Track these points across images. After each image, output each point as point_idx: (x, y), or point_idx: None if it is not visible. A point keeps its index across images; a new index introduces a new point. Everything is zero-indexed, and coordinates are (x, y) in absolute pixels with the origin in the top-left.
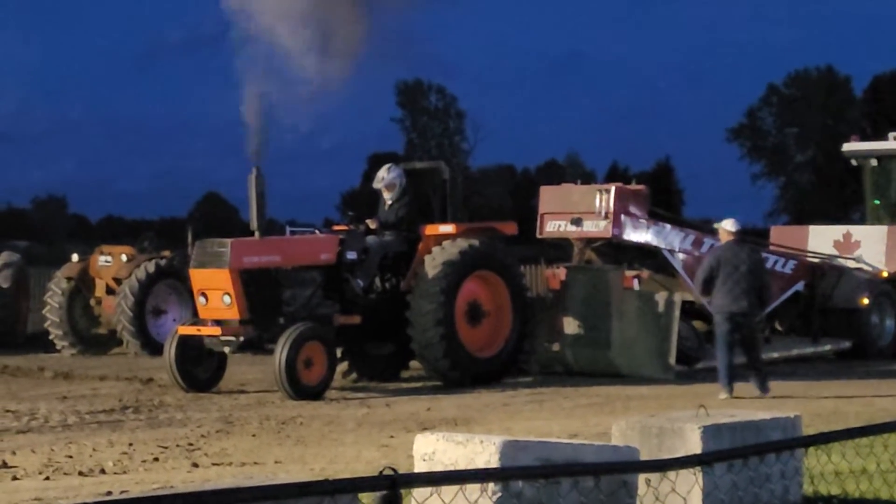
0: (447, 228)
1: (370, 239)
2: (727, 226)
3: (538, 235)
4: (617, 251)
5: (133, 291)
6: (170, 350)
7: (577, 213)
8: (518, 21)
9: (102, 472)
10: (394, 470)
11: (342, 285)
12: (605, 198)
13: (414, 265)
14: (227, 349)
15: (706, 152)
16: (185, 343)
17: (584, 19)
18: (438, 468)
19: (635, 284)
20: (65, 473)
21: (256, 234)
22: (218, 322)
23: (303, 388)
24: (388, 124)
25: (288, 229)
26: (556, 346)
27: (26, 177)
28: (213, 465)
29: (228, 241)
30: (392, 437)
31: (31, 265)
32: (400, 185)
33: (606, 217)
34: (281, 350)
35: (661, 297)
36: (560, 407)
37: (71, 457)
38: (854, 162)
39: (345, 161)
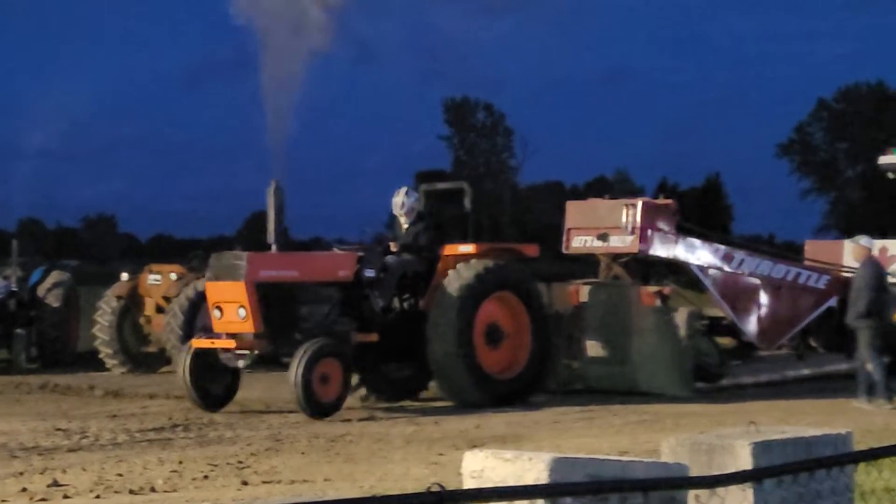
0: (467, 248)
1: (389, 258)
2: (865, 242)
3: (564, 251)
4: (647, 266)
5: (182, 310)
6: (184, 365)
7: (604, 228)
8: (565, 37)
9: (153, 490)
10: (441, 486)
11: (360, 303)
12: (631, 213)
13: (433, 284)
14: (241, 363)
15: (756, 168)
16: (199, 358)
17: (632, 34)
18: (487, 486)
19: (657, 300)
20: (115, 492)
21: (273, 247)
22: (233, 336)
23: (318, 405)
24: (435, 142)
25: (335, 248)
26: (575, 364)
27: (77, 196)
28: (263, 482)
29: (245, 253)
30: (441, 454)
31: (81, 284)
32: (416, 209)
33: (633, 232)
34: (297, 366)
35: (679, 313)
36: (609, 424)
37: (121, 475)
38: (890, 175)
39: (392, 179)
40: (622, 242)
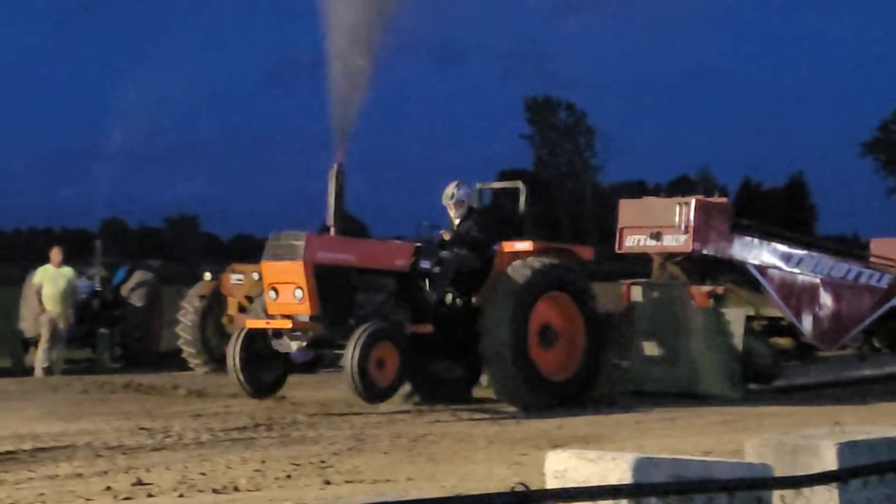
0: (524, 246)
1: (444, 252)
2: None
3: (617, 250)
4: (704, 265)
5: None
6: (234, 350)
7: (657, 227)
8: (646, 35)
9: (236, 489)
10: (525, 486)
11: (414, 294)
12: (684, 211)
13: (488, 280)
14: (294, 346)
15: (840, 167)
16: (251, 343)
17: (713, 33)
18: (571, 486)
19: (711, 300)
20: (199, 491)
21: (332, 230)
22: (287, 317)
23: (374, 389)
24: (517, 141)
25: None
26: (625, 364)
27: (159, 196)
28: (346, 482)
29: (304, 233)
30: (523, 454)
31: (163, 284)
32: (467, 203)
33: (686, 231)
34: (353, 348)
35: (730, 313)
36: (692, 424)
37: (204, 474)
38: None
39: (475, 177)
40: (675, 241)
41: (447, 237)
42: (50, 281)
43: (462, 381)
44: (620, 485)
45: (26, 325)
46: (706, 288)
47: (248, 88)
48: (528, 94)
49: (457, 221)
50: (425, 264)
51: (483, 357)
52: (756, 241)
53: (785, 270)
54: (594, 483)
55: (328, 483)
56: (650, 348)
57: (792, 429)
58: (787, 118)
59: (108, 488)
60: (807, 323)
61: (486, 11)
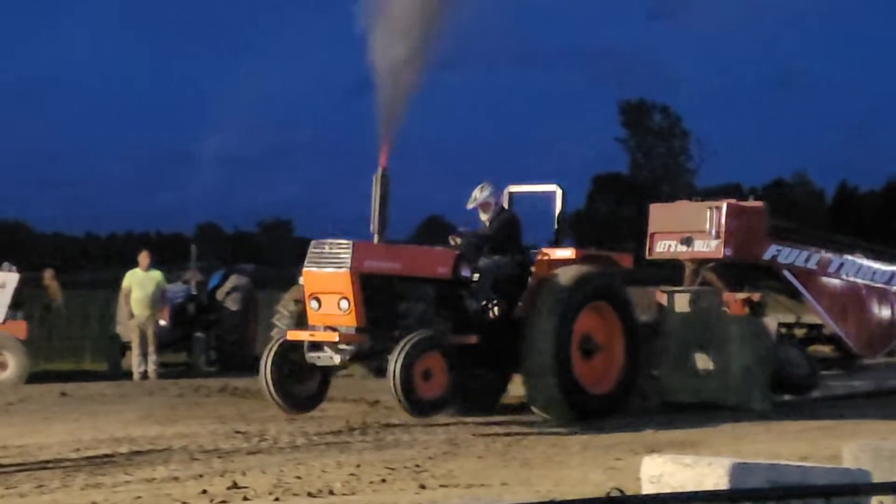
0: (565, 253)
1: (483, 260)
2: None
3: (647, 256)
4: (742, 272)
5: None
6: (266, 363)
7: (688, 231)
8: (740, 38)
9: (331, 493)
10: (621, 491)
11: (457, 303)
12: (716, 215)
13: (529, 289)
14: (337, 359)
15: None
16: (285, 356)
17: (808, 35)
18: (666, 491)
19: (746, 308)
20: (294, 494)
21: (376, 238)
22: (331, 329)
23: (419, 402)
24: (612, 144)
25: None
26: (655, 373)
27: (253, 200)
28: (440, 486)
29: (350, 241)
30: (618, 459)
31: (258, 288)
32: (495, 203)
33: (718, 236)
34: (397, 359)
35: (762, 321)
36: (788, 430)
37: (300, 478)
38: None
39: (568, 182)
40: (707, 247)
41: (457, 241)
42: (138, 285)
43: (489, 389)
44: (717, 490)
45: (122, 329)
46: (742, 295)
47: (343, 92)
48: (622, 97)
49: (487, 222)
50: (465, 272)
51: (524, 369)
52: (791, 246)
53: (824, 276)
54: (690, 488)
55: (423, 487)
56: (681, 358)
57: (889, 435)
58: (884, 122)
59: (204, 492)
60: (848, 330)
61: (579, 15)
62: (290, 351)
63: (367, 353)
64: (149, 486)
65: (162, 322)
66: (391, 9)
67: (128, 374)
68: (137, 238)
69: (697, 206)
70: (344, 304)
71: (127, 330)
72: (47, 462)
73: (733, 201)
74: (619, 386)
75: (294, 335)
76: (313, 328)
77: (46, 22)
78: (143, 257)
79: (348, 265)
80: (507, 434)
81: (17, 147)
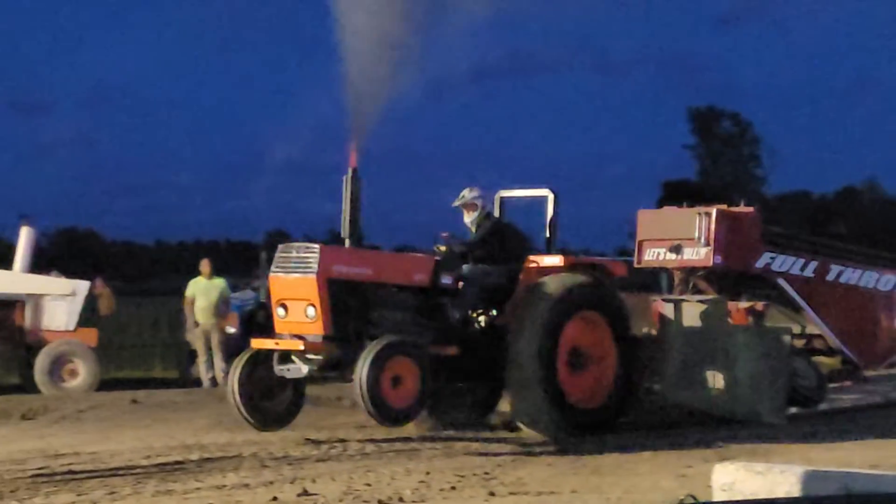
0: (553, 261)
1: (467, 268)
2: None
3: (636, 265)
4: (739, 280)
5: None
6: (234, 378)
7: (677, 239)
8: (809, 44)
9: (401, 500)
10: (694, 498)
11: (435, 312)
12: (705, 222)
13: (514, 298)
14: (305, 370)
15: None
16: (253, 369)
17: (879, 41)
18: (738, 499)
19: (750, 318)
20: (364, 501)
21: (347, 242)
22: (298, 337)
23: (388, 410)
24: (680, 151)
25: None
26: (656, 387)
27: (322, 208)
28: (510, 494)
29: (317, 245)
30: (689, 466)
31: None
32: (482, 207)
33: (707, 243)
34: (363, 363)
35: (771, 331)
36: (861, 438)
37: (370, 485)
38: None
39: (637, 188)
40: (696, 255)
41: (443, 248)
42: (202, 293)
43: (479, 405)
44: (789, 498)
45: (190, 337)
46: (745, 304)
47: (412, 99)
48: (691, 104)
49: (469, 225)
50: (446, 280)
51: (508, 382)
52: (786, 254)
53: (822, 285)
54: (762, 496)
55: (492, 495)
56: (684, 369)
57: None
58: None
59: (275, 499)
60: (850, 342)
61: (650, 22)
62: (259, 364)
63: (337, 363)
64: (219, 493)
65: (231, 329)
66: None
67: (198, 382)
68: (206, 246)
69: (686, 212)
70: (311, 311)
71: (193, 338)
72: (119, 469)
73: (723, 207)
74: (612, 400)
75: (259, 343)
76: (280, 337)
77: (118, 32)
78: (205, 265)
79: (315, 270)
80: (578, 441)
81: (89, 156)
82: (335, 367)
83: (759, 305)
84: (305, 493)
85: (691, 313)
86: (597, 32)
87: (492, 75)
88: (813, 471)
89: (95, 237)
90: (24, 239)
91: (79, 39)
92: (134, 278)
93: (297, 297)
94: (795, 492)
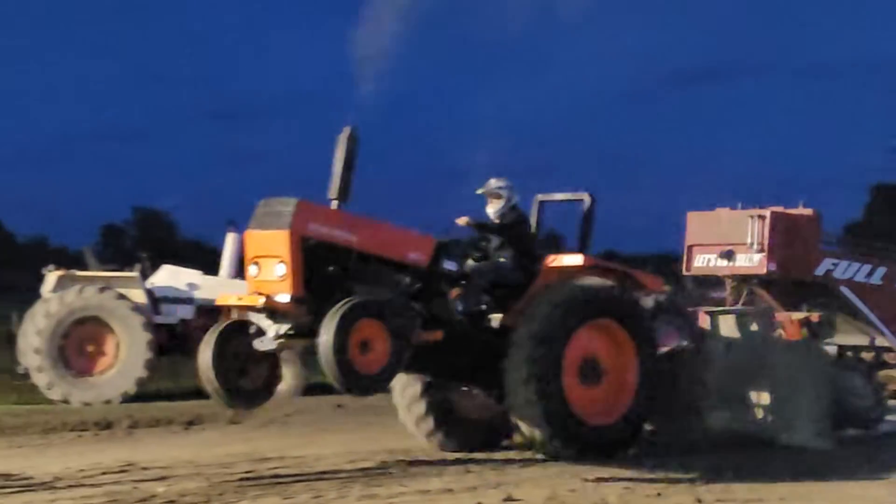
0: (573, 260)
1: (480, 263)
2: None
3: (685, 272)
4: (797, 289)
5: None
6: (206, 350)
7: (729, 244)
8: None
9: None
10: None
11: (432, 299)
12: (758, 226)
13: (526, 298)
14: (275, 342)
15: None
16: (227, 342)
17: None
18: None
19: (804, 330)
20: None
21: (334, 203)
22: (266, 297)
23: (356, 377)
24: (891, 155)
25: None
26: (697, 405)
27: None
28: (717, 501)
29: (294, 199)
30: None
31: None
32: (507, 198)
33: (761, 249)
34: (329, 325)
35: (820, 345)
36: None
37: (574, 490)
38: None
39: (844, 192)
40: (749, 261)
41: (462, 221)
42: None
43: (494, 424)
44: None
45: None
46: (798, 315)
47: (610, 100)
48: None
49: (492, 215)
50: (450, 265)
51: (506, 391)
52: (849, 260)
53: (889, 293)
54: None
55: (699, 501)
56: (727, 388)
57: None
58: None
59: None
60: None
61: (859, 26)
62: (233, 337)
63: (308, 329)
64: (423, 497)
65: None
66: None
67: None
68: None
69: (739, 214)
70: (280, 268)
71: None
72: (324, 473)
73: (779, 209)
74: (628, 417)
75: (222, 300)
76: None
77: (308, 41)
78: None
79: (288, 225)
80: (786, 449)
81: (290, 162)
82: (307, 333)
83: (815, 316)
84: (510, 498)
85: (734, 325)
86: (806, 38)
87: (693, 80)
88: None
89: None
90: (230, 245)
91: (271, 48)
92: None
93: (268, 254)
94: None
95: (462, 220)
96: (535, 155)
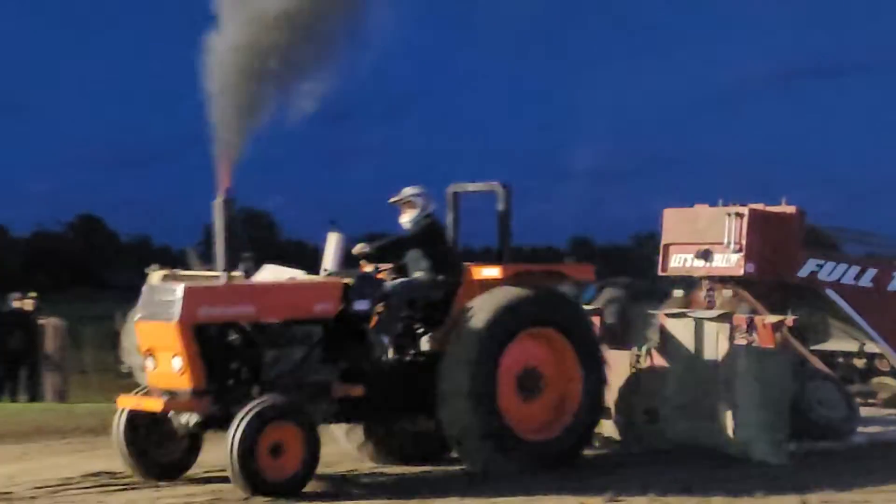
0: (492, 272)
1: (388, 285)
2: None
3: (660, 272)
4: (784, 290)
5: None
6: (117, 426)
7: (705, 243)
8: None
9: None
10: None
11: (348, 344)
12: (735, 224)
13: (450, 318)
14: (185, 426)
15: None
16: (137, 417)
17: None
18: None
19: (777, 335)
20: None
21: (223, 276)
22: (168, 393)
23: (265, 483)
24: None
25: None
26: (648, 414)
27: (624, 213)
28: (822, 502)
29: (181, 286)
30: None
31: (633, 301)
32: (422, 206)
33: (739, 249)
34: (235, 430)
35: (770, 353)
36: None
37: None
38: None
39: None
40: (726, 262)
41: (356, 250)
42: None
43: (433, 436)
44: None
45: None
46: (773, 318)
47: (713, 100)
48: None
49: (406, 226)
50: (361, 305)
51: (439, 413)
52: (839, 259)
53: (878, 296)
54: None
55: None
56: (680, 395)
57: None
58: None
59: None
60: None
61: None
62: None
63: (221, 418)
64: (525, 498)
65: None
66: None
67: None
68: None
69: (715, 212)
70: (177, 362)
71: None
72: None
73: (758, 207)
74: (576, 427)
75: (124, 402)
76: (148, 393)
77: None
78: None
79: (177, 316)
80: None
81: (391, 162)
82: (219, 421)
83: (790, 321)
84: (614, 499)
85: (694, 330)
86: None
87: (797, 77)
88: None
89: None
90: (333, 244)
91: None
92: None
93: (162, 347)
94: None
95: (357, 249)
96: (642, 153)
